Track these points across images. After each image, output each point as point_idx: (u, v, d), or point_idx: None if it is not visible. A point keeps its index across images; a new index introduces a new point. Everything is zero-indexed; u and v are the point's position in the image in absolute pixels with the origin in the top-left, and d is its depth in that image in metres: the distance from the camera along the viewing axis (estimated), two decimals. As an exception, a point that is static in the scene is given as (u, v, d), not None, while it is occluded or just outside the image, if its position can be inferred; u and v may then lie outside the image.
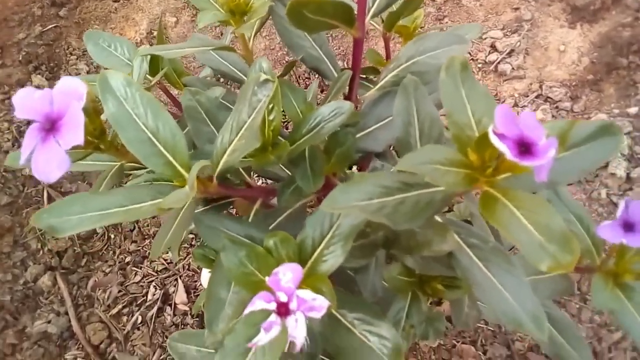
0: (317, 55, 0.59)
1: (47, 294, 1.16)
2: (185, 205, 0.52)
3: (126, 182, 0.60)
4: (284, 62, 1.41)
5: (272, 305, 0.37)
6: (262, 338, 0.35)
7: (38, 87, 1.26)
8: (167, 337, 1.13)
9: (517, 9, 1.43)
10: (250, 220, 0.52)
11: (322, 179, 0.49)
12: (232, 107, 0.58)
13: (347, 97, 0.58)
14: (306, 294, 0.36)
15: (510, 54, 1.37)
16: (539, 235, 0.36)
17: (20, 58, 1.27)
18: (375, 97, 0.59)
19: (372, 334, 0.44)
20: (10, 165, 0.51)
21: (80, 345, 1.11)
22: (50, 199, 1.24)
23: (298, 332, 0.35)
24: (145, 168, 0.60)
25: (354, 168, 0.79)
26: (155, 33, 1.33)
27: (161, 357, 1.12)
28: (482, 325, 1.15)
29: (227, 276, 0.48)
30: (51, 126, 0.45)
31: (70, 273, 1.20)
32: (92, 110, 0.50)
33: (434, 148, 0.40)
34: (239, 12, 0.54)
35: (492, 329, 1.15)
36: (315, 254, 0.44)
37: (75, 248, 1.21)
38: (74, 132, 0.43)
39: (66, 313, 1.14)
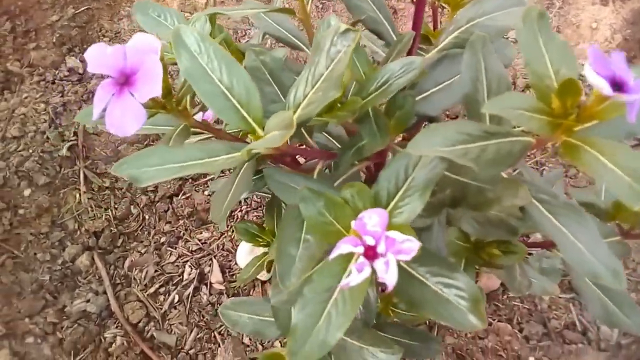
0: (377, 18, 0.59)
1: (85, 273, 1.17)
2: (243, 168, 0.52)
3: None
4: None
5: (360, 249, 0.37)
6: (354, 279, 0.36)
7: (72, 69, 1.27)
8: (203, 316, 1.14)
9: (548, -13, 1.42)
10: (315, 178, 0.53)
11: (388, 136, 0.49)
12: (291, 71, 0.59)
13: (407, 59, 0.58)
14: (396, 235, 0.36)
15: (541, 33, 1.36)
16: (627, 177, 0.36)
17: (54, 40, 1.28)
18: (434, 60, 0.59)
19: (446, 285, 0.44)
20: (82, 121, 0.52)
21: (119, 324, 1.12)
22: (87, 180, 1.25)
23: (390, 274, 0.36)
24: (203, 134, 0.61)
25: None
26: (186, 14, 1.34)
27: (198, 336, 1.13)
28: (517, 304, 1.15)
29: (295, 232, 0.48)
30: (125, 80, 0.46)
31: (107, 253, 1.20)
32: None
33: (515, 95, 0.40)
34: (299, -26, 0.55)
35: (527, 307, 1.15)
36: (391, 205, 0.44)
37: (112, 228, 1.22)
38: (151, 84, 0.44)
39: (104, 292, 1.15)
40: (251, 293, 1.16)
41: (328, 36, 0.43)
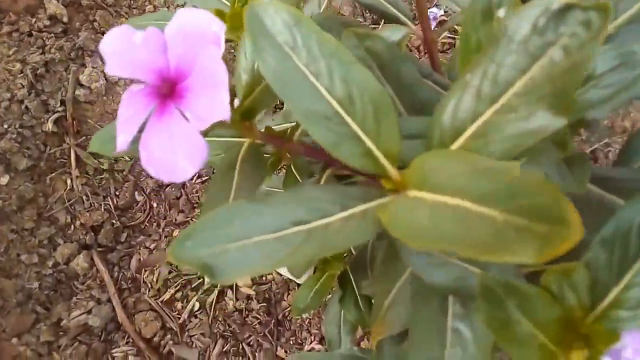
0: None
1: (83, 277, 1.10)
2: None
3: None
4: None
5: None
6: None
7: (54, 16, 1.12)
8: (229, 325, 1.08)
9: None
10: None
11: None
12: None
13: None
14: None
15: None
16: None
17: (27, -25, 1.15)
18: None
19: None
20: (97, 150, 0.38)
21: (130, 339, 1.06)
22: (79, 161, 1.15)
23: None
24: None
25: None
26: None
27: (224, 349, 1.07)
28: None
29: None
30: (170, 90, 0.32)
31: (108, 251, 1.13)
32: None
33: None
34: None
35: None
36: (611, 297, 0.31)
37: (113, 221, 1.14)
38: (215, 99, 0.31)
39: (109, 300, 1.08)
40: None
41: (524, 16, 0.28)
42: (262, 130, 0.47)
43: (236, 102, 0.42)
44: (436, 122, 0.32)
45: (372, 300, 0.68)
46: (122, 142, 0.31)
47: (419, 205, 0.28)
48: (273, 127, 0.46)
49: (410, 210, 0.28)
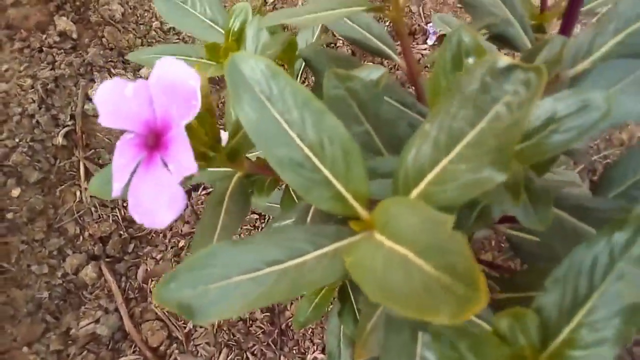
0: (508, 18, 0.46)
1: (91, 287, 1.11)
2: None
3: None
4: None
5: None
6: None
7: (64, 33, 1.15)
8: (234, 335, 1.09)
9: None
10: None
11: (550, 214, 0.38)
12: (395, 101, 0.47)
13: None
14: None
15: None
16: None
17: (38, -5, 1.17)
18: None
19: None
20: (97, 195, 0.41)
21: (137, 348, 1.07)
22: (88, 174, 1.16)
23: None
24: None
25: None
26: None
27: (228, 358, 1.08)
28: None
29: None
30: (155, 141, 0.35)
31: (116, 262, 1.14)
32: (205, 109, 0.39)
33: None
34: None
35: None
36: (561, 338, 0.33)
37: (121, 232, 1.14)
38: (182, 154, 0.34)
39: (116, 310, 1.09)
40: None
41: (474, 73, 0.30)
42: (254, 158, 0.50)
43: (225, 136, 0.45)
44: (401, 166, 0.34)
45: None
46: (117, 189, 0.34)
47: (378, 249, 0.30)
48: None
49: (371, 253, 0.30)
